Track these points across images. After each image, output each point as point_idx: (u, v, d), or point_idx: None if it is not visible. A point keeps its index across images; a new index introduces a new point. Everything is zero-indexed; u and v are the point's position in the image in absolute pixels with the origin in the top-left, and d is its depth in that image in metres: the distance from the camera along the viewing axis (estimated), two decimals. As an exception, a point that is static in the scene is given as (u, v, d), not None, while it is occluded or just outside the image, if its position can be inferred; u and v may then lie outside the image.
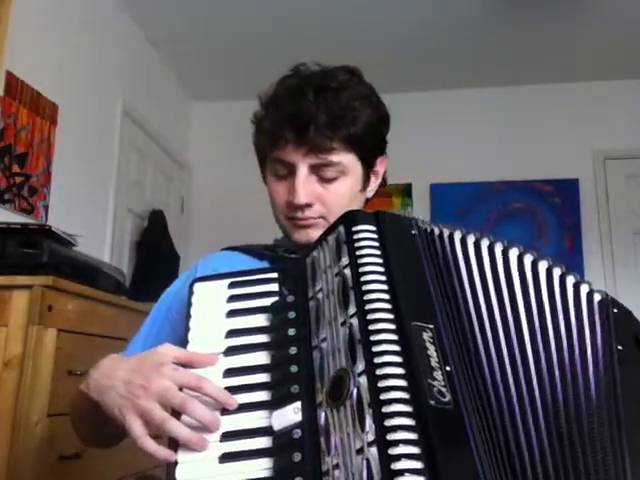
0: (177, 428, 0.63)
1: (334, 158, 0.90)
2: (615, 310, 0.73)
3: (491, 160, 3.71)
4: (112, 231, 2.93)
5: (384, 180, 1.04)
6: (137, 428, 0.64)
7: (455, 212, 3.60)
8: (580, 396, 0.64)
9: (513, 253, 0.74)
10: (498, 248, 0.74)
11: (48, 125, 2.37)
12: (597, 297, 0.73)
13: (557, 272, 0.73)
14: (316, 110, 0.87)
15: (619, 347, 0.69)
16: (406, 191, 3.78)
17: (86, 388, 0.74)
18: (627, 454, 0.62)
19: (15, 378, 1.47)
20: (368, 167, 0.96)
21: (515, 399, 0.62)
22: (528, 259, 0.74)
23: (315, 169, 0.91)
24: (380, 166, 1.01)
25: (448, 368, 0.59)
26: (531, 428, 0.60)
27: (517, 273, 0.72)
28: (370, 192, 1.01)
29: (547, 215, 3.64)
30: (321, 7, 3.01)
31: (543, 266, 0.74)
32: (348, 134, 0.89)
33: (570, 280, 0.73)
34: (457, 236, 0.74)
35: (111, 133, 2.97)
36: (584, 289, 0.73)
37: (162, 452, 0.63)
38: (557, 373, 0.65)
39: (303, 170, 0.90)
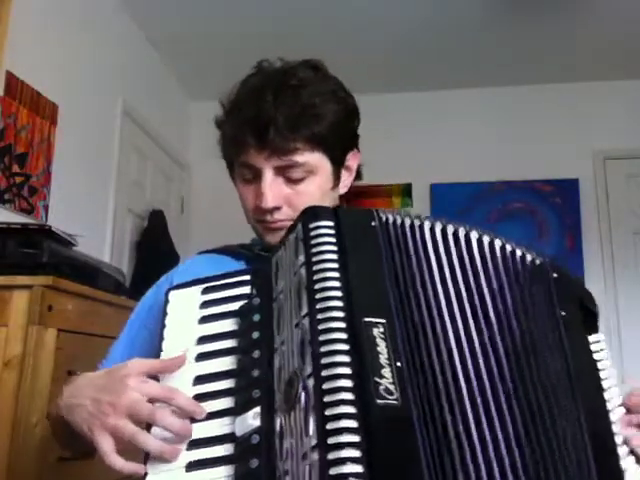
0: (147, 440, 0.63)
1: (299, 159, 0.88)
2: (555, 275, 0.72)
3: (491, 160, 3.71)
4: (112, 231, 2.92)
5: (359, 174, 1.02)
6: (105, 445, 0.64)
7: (455, 212, 3.59)
8: (534, 371, 0.64)
9: (473, 237, 0.73)
10: (461, 233, 0.73)
11: (48, 125, 2.37)
12: (537, 263, 0.73)
13: (508, 248, 0.73)
14: (275, 111, 0.85)
15: (562, 312, 0.69)
16: (406, 191, 3.78)
17: (57, 407, 0.75)
18: (585, 428, 0.62)
19: (15, 378, 1.47)
20: (338, 164, 0.94)
21: (465, 392, 0.61)
22: (485, 240, 0.73)
23: (281, 171, 0.89)
24: (352, 161, 0.98)
25: (399, 364, 0.58)
26: (483, 420, 0.59)
27: (467, 257, 0.71)
28: (343, 188, 0.99)
29: (547, 215, 3.64)
30: (321, 7, 3.01)
31: (497, 245, 0.73)
32: (311, 133, 0.87)
33: (518, 253, 0.73)
34: (426, 225, 0.72)
35: (111, 133, 2.96)
36: (528, 258, 0.73)
37: (129, 467, 0.63)
38: (504, 361, 0.64)
39: (268, 173, 0.88)
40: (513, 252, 0.73)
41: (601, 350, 0.71)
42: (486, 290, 0.69)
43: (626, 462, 0.63)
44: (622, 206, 3.61)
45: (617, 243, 3.56)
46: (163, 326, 0.76)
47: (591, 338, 0.71)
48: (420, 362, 0.61)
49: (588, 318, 0.73)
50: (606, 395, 0.67)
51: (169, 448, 0.62)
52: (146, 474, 0.62)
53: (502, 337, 0.66)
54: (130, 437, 0.63)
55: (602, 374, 0.69)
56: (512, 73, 3.65)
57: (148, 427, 0.65)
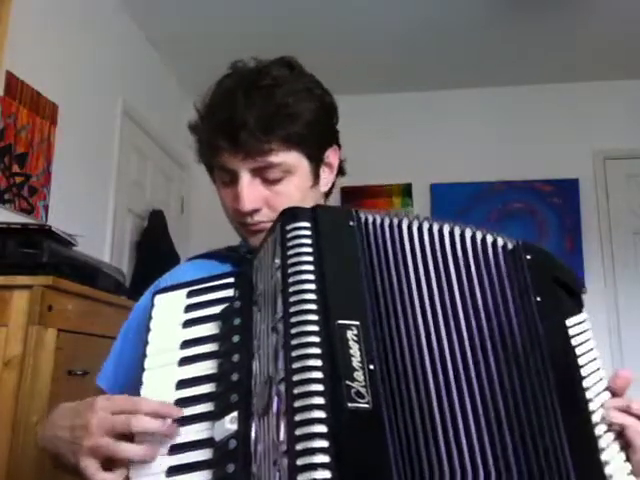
0: (126, 449, 0.63)
1: (274, 159, 0.86)
2: (529, 257, 0.70)
3: (491, 160, 3.71)
4: (112, 231, 2.92)
5: (342, 170, 1.00)
6: (89, 469, 0.65)
7: (455, 212, 3.59)
8: (512, 365, 0.62)
9: (453, 233, 0.71)
10: (435, 229, 0.71)
11: (48, 125, 2.37)
12: (509, 247, 0.70)
13: (479, 237, 0.71)
14: (247, 113, 0.84)
15: (537, 298, 0.67)
16: (406, 191, 3.78)
17: (43, 443, 0.76)
18: (561, 420, 0.60)
19: (15, 378, 1.47)
20: (316, 162, 0.92)
21: (437, 395, 0.60)
22: (457, 233, 0.71)
23: (257, 172, 0.88)
24: (332, 158, 0.96)
25: (371, 367, 0.57)
26: (459, 425, 0.58)
27: (440, 254, 0.69)
28: (325, 186, 0.97)
29: (547, 215, 3.64)
30: (321, 7, 3.01)
31: (468, 235, 0.71)
32: (286, 133, 0.85)
33: (489, 240, 0.71)
34: (404, 223, 0.71)
35: (111, 133, 2.96)
36: (499, 244, 0.71)
37: (118, 476, 0.63)
38: (481, 362, 0.63)
39: (245, 176, 0.87)
40: (484, 240, 0.71)
41: (583, 332, 0.68)
42: (456, 288, 0.67)
43: (608, 453, 0.61)
44: (622, 206, 3.61)
45: (617, 243, 3.56)
46: (148, 330, 0.76)
47: (571, 320, 0.68)
48: (394, 365, 0.61)
49: (569, 297, 0.71)
50: (589, 380, 0.65)
51: (151, 449, 0.63)
52: (128, 478, 0.62)
53: (471, 336, 0.64)
54: (111, 452, 0.64)
55: (583, 359, 0.66)
56: (512, 73, 3.65)
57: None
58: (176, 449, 0.63)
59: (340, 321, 0.60)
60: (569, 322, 0.68)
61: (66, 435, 0.69)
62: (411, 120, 3.83)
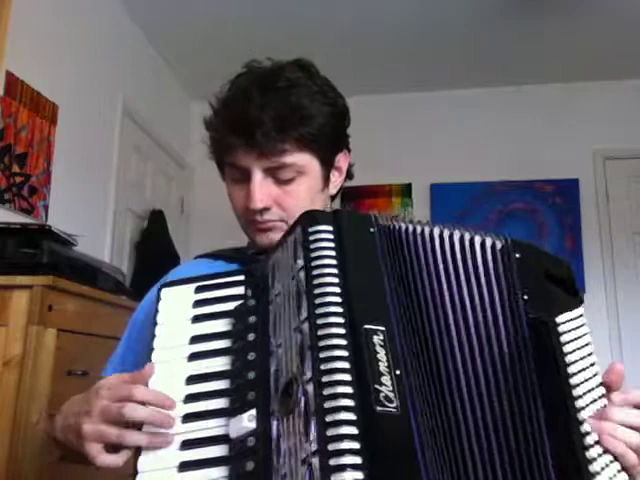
0: (125, 436, 0.64)
1: (287, 160, 0.87)
2: (518, 255, 0.68)
3: (491, 160, 3.71)
4: (112, 231, 2.93)
5: (350, 174, 1.01)
6: (91, 450, 0.66)
7: (455, 212, 3.59)
8: (497, 366, 0.62)
9: (476, 242, 0.69)
10: (456, 236, 0.70)
11: (48, 125, 2.37)
12: (498, 246, 0.69)
13: (467, 237, 0.69)
14: (262, 113, 0.85)
15: (524, 297, 0.65)
16: (406, 191, 3.78)
17: (55, 436, 0.77)
18: (545, 431, 0.59)
19: (15, 378, 1.47)
20: (327, 165, 0.94)
21: (466, 400, 0.61)
22: (477, 242, 0.69)
23: (270, 171, 0.89)
24: (342, 162, 0.98)
25: (398, 372, 0.58)
26: (481, 432, 0.59)
27: (451, 260, 0.69)
28: (334, 189, 0.99)
29: (547, 215, 3.64)
30: (321, 7, 3.01)
31: (477, 242, 0.69)
32: (299, 134, 0.87)
33: (477, 240, 0.69)
34: (425, 231, 0.71)
35: (111, 133, 2.96)
36: (488, 243, 0.69)
37: (120, 459, 0.65)
38: (499, 367, 0.62)
39: (257, 174, 0.88)
40: (472, 241, 0.70)
41: (578, 327, 0.67)
42: (466, 293, 0.67)
43: (597, 464, 0.60)
44: (622, 206, 3.60)
45: (617, 243, 3.56)
46: (155, 323, 0.76)
47: (563, 316, 0.66)
48: (421, 371, 0.61)
49: (565, 292, 0.70)
50: (579, 377, 0.63)
51: (147, 436, 0.64)
52: (136, 473, 0.63)
53: (480, 344, 0.64)
54: (108, 438, 0.65)
55: (575, 355, 0.64)
56: (512, 73, 3.65)
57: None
58: (189, 444, 0.64)
59: (367, 325, 0.60)
60: (561, 318, 0.66)
61: (73, 421, 0.70)
62: (411, 120, 3.83)
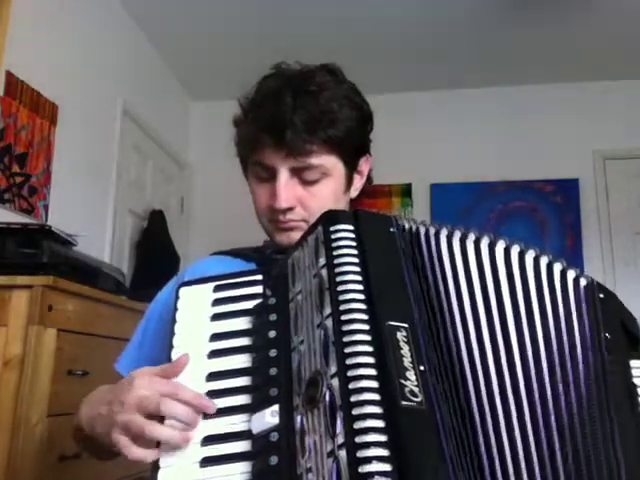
0: (157, 429, 0.64)
1: (314, 161, 0.89)
2: (601, 295, 0.72)
3: (491, 160, 3.71)
4: (112, 231, 2.93)
5: (370, 179, 1.03)
6: (121, 441, 0.66)
7: (455, 212, 3.60)
8: (570, 386, 0.64)
9: (500, 246, 0.73)
10: (484, 242, 0.73)
11: (48, 125, 2.37)
12: (583, 282, 0.72)
13: (544, 261, 0.73)
14: (293, 114, 0.87)
15: (607, 335, 0.68)
16: (406, 191, 3.78)
17: (79, 426, 0.78)
18: (619, 445, 0.61)
19: (15, 378, 1.47)
20: (351, 168, 0.96)
21: (496, 397, 0.62)
22: (515, 251, 0.73)
23: (296, 172, 0.90)
24: (364, 166, 1.00)
25: (422, 368, 0.59)
26: (515, 427, 0.60)
27: (504, 266, 0.71)
28: (354, 192, 1.00)
29: (547, 215, 3.64)
30: (321, 7, 3.01)
31: (530, 256, 0.73)
32: (327, 136, 0.88)
33: (557, 268, 0.73)
34: (443, 233, 0.73)
35: (111, 133, 2.97)
36: (570, 275, 0.72)
37: (150, 455, 0.64)
38: (545, 366, 0.65)
39: (284, 173, 0.90)
40: (550, 265, 0.73)
41: None
42: (509, 303, 0.69)
43: None
44: (622, 206, 3.61)
45: (617, 243, 3.56)
46: (174, 321, 0.76)
47: (635, 362, 0.70)
48: (447, 368, 0.62)
49: (630, 342, 0.73)
50: None
51: (179, 434, 0.64)
52: (158, 467, 0.63)
53: (534, 353, 0.66)
54: (140, 429, 0.65)
55: None
56: (512, 73, 3.65)
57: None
58: (210, 440, 0.64)
59: (390, 322, 0.61)
60: (634, 363, 0.70)
61: (104, 410, 0.70)
62: (411, 120, 3.83)
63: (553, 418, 0.62)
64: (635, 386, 0.68)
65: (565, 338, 0.67)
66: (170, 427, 0.64)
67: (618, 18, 3.05)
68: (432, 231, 0.73)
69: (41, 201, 2.32)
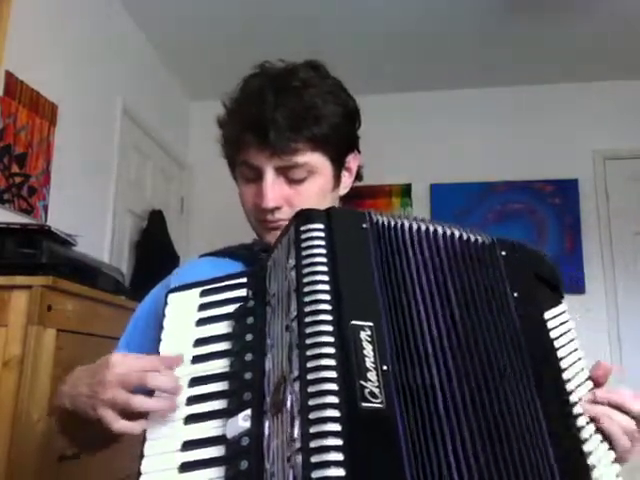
0: (144, 400, 0.66)
1: (300, 159, 0.88)
2: (503, 253, 0.72)
3: (491, 160, 3.71)
4: (112, 231, 2.93)
5: (360, 176, 1.02)
6: (107, 416, 0.67)
7: (455, 212, 3.59)
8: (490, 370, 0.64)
9: (439, 232, 0.73)
10: (431, 230, 0.73)
11: (47, 125, 2.37)
12: (481, 243, 0.73)
13: (454, 233, 0.73)
14: (275, 112, 0.86)
15: (514, 294, 0.69)
16: (406, 191, 3.78)
17: (60, 402, 0.79)
18: (542, 414, 0.62)
19: (15, 378, 1.47)
20: (338, 165, 0.95)
21: (447, 396, 0.61)
22: (440, 231, 0.73)
23: (282, 171, 0.89)
24: (353, 162, 0.99)
25: (385, 367, 0.58)
26: (464, 427, 0.59)
27: (436, 255, 0.71)
28: (344, 189, 1.00)
29: (547, 215, 3.64)
30: (321, 8, 3.01)
31: (440, 232, 0.73)
32: (312, 134, 0.87)
33: (464, 237, 0.73)
34: (410, 226, 0.72)
35: (111, 133, 2.96)
36: (472, 240, 0.73)
37: (138, 426, 0.66)
38: (482, 359, 0.64)
39: (269, 173, 0.89)
40: (461, 237, 0.73)
41: (563, 323, 0.70)
42: (451, 287, 0.69)
43: (591, 444, 0.64)
44: (622, 206, 3.60)
45: (617, 243, 3.56)
46: (161, 328, 0.77)
47: (549, 313, 0.70)
48: (406, 366, 0.61)
49: (549, 290, 0.73)
50: (570, 371, 0.67)
51: (164, 402, 0.66)
52: (140, 474, 0.64)
53: (461, 337, 0.66)
54: (126, 403, 0.66)
55: (563, 350, 0.68)
56: (512, 73, 3.65)
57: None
58: (189, 445, 0.64)
59: (354, 322, 0.60)
60: (548, 314, 0.70)
61: (85, 390, 0.72)
62: (411, 120, 3.83)
63: (488, 407, 0.61)
64: (551, 340, 0.68)
65: (467, 317, 0.67)
66: (156, 397, 0.66)
67: (618, 18, 3.05)
68: (400, 225, 0.72)
69: (40, 201, 2.32)
